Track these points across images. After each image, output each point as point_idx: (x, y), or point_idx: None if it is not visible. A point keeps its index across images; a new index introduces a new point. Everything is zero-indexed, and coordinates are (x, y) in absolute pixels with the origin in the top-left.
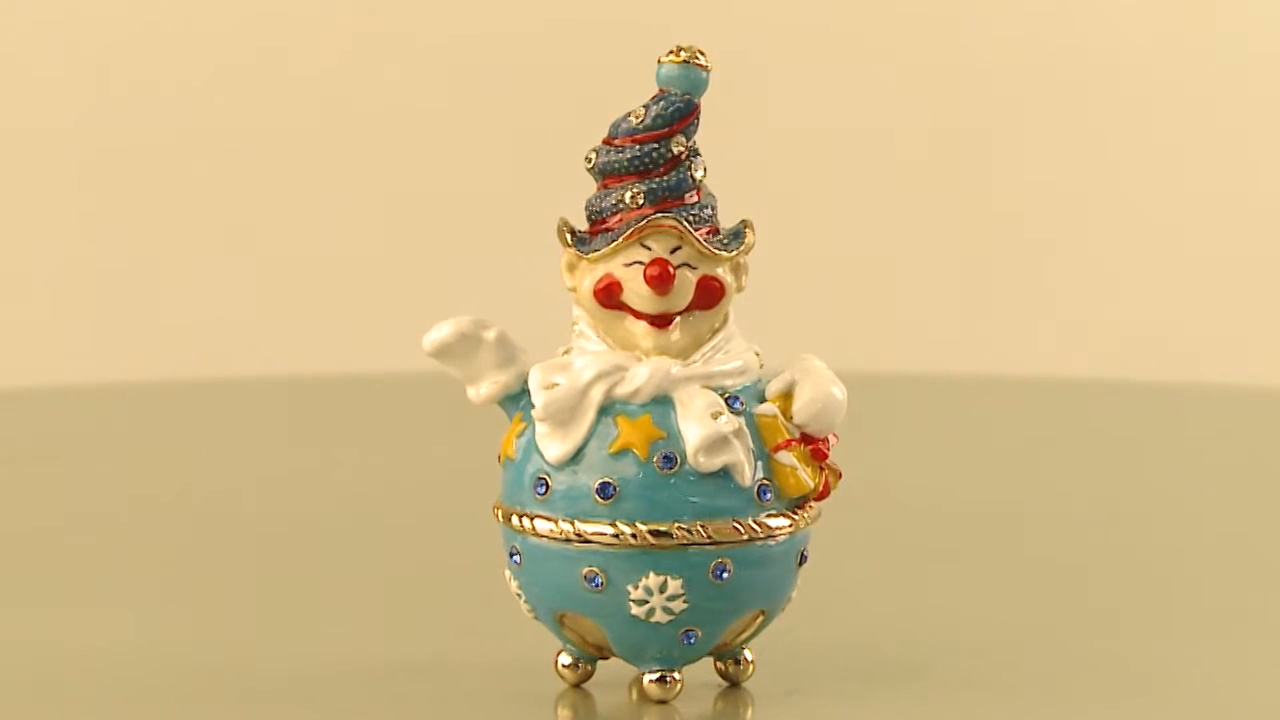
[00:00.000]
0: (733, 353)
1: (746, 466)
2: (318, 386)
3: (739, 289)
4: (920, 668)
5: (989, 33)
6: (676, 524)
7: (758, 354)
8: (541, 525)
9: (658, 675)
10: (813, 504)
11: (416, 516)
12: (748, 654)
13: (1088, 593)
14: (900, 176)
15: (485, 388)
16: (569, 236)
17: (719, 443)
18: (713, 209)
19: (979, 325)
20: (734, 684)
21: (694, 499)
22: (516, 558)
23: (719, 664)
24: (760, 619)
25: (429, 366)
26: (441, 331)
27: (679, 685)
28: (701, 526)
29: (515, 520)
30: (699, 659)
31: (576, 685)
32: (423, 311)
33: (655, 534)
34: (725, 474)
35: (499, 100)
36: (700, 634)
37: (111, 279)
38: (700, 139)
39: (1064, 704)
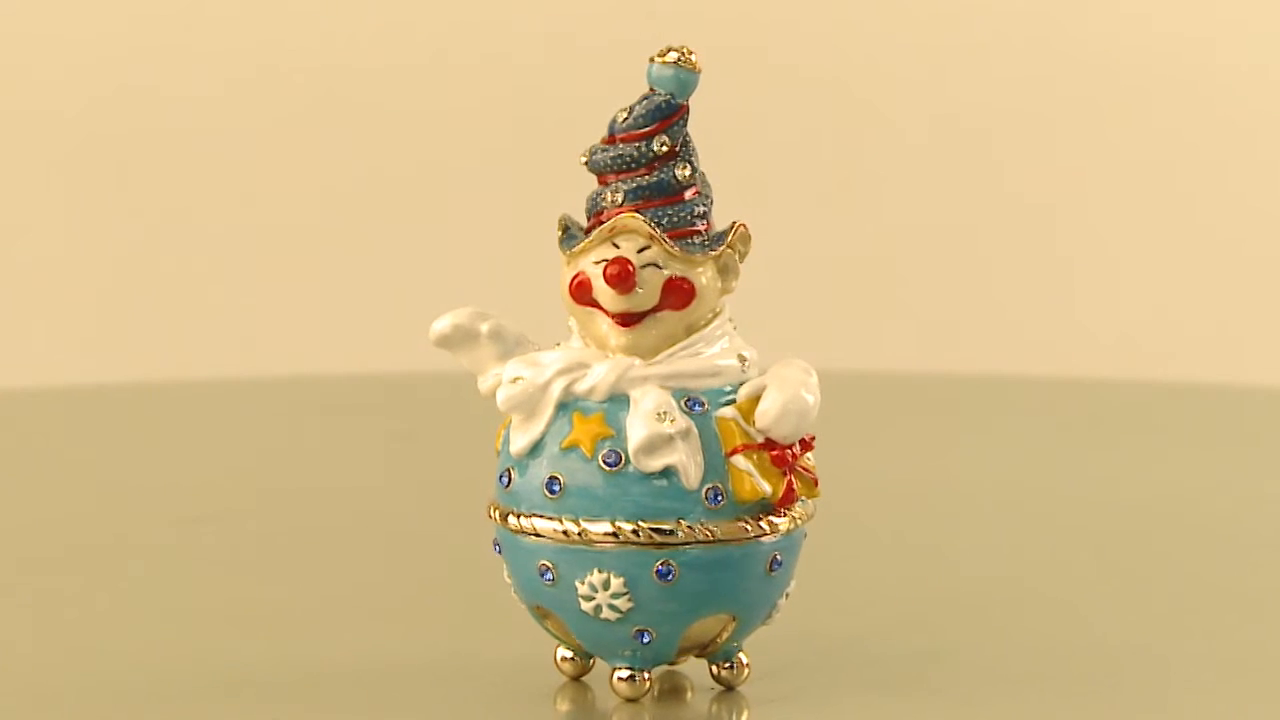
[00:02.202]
0: (707, 354)
1: (692, 468)
2: (318, 387)
3: (725, 290)
4: (920, 670)
5: (991, 34)
6: (616, 522)
7: (742, 357)
8: (510, 518)
9: (627, 674)
10: (782, 511)
11: (417, 515)
12: (743, 657)
13: (1088, 593)
14: (901, 177)
15: (488, 379)
16: (561, 233)
17: (660, 443)
18: (701, 210)
19: (979, 325)
20: (729, 688)
21: (636, 498)
22: (498, 548)
23: (712, 667)
24: (733, 624)
25: (429, 366)
26: (441, 324)
27: (648, 684)
28: (643, 526)
29: (491, 511)
30: (668, 660)
31: (576, 678)
32: (425, 312)
33: (596, 531)
34: (670, 474)
35: (514, 96)
36: (655, 635)
37: (112, 279)
38: (704, 139)
39: (1064, 705)
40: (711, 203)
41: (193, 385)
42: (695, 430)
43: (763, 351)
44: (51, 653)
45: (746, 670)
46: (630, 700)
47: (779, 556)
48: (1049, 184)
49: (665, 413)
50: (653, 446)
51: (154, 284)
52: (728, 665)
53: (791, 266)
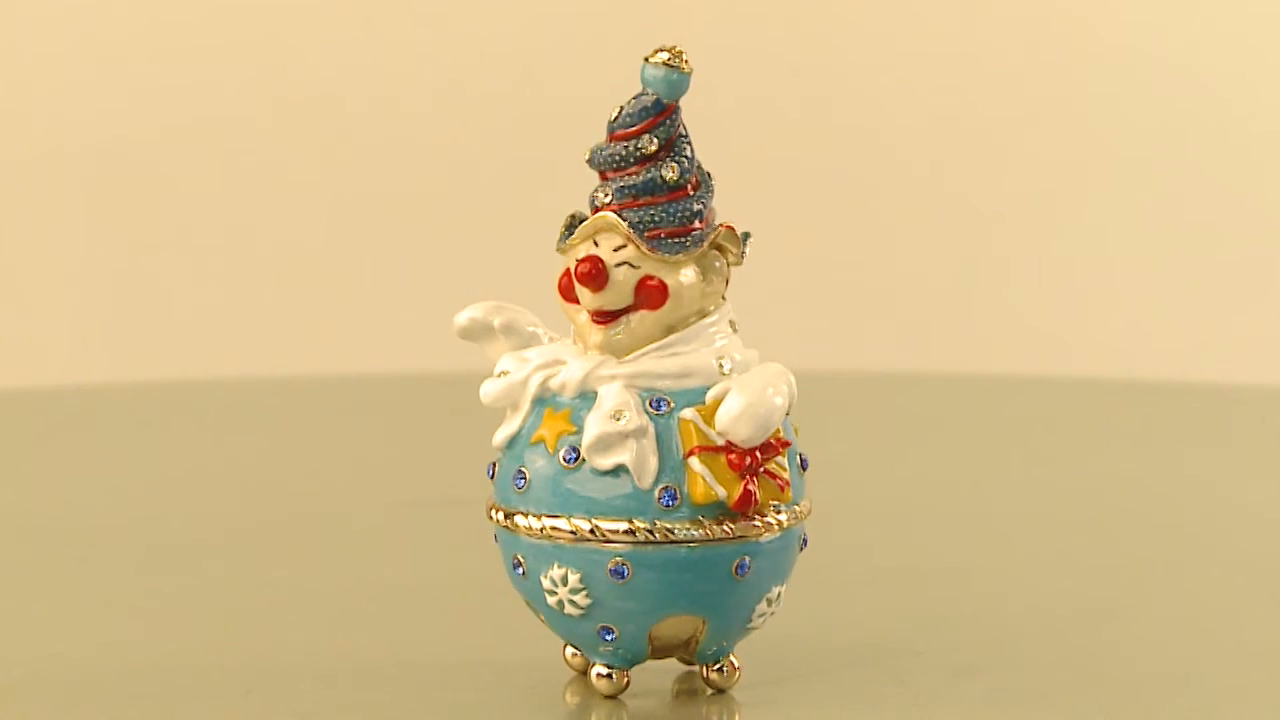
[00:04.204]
0: (684, 354)
1: (644, 468)
2: (317, 387)
3: (709, 292)
4: (915, 675)
5: (989, 36)
6: (572, 518)
7: (722, 359)
8: (492, 511)
9: (605, 671)
10: (751, 515)
11: (426, 513)
12: (734, 660)
13: (1087, 593)
14: (901, 177)
15: None
16: (564, 230)
17: (612, 441)
18: (693, 210)
19: (978, 325)
20: (719, 691)
21: (591, 495)
22: (497, 540)
23: (702, 669)
24: (704, 627)
25: (429, 367)
26: (460, 317)
27: (626, 680)
28: (597, 523)
29: (486, 504)
30: (641, 659)
31: (584, 673)
32: (427, 312)
33: (554, 526)
34: (623, 473)
35: (531, 93)
36: (618, 632)
37: (112, 279)
38: (708, 140)
39: (1061, 706)
40: (705, 204)
41: (193, 385)
42: (652, 430)
43: (765, 354)
44: (51, 648)
45: (737, 674)
46: (608, 697)
47: (747, 560)
48: (1047, 185)
49: (620, 411)
50: (603, 444)
51: (154, 284)
52: (718, 668)
53: (791, 267)
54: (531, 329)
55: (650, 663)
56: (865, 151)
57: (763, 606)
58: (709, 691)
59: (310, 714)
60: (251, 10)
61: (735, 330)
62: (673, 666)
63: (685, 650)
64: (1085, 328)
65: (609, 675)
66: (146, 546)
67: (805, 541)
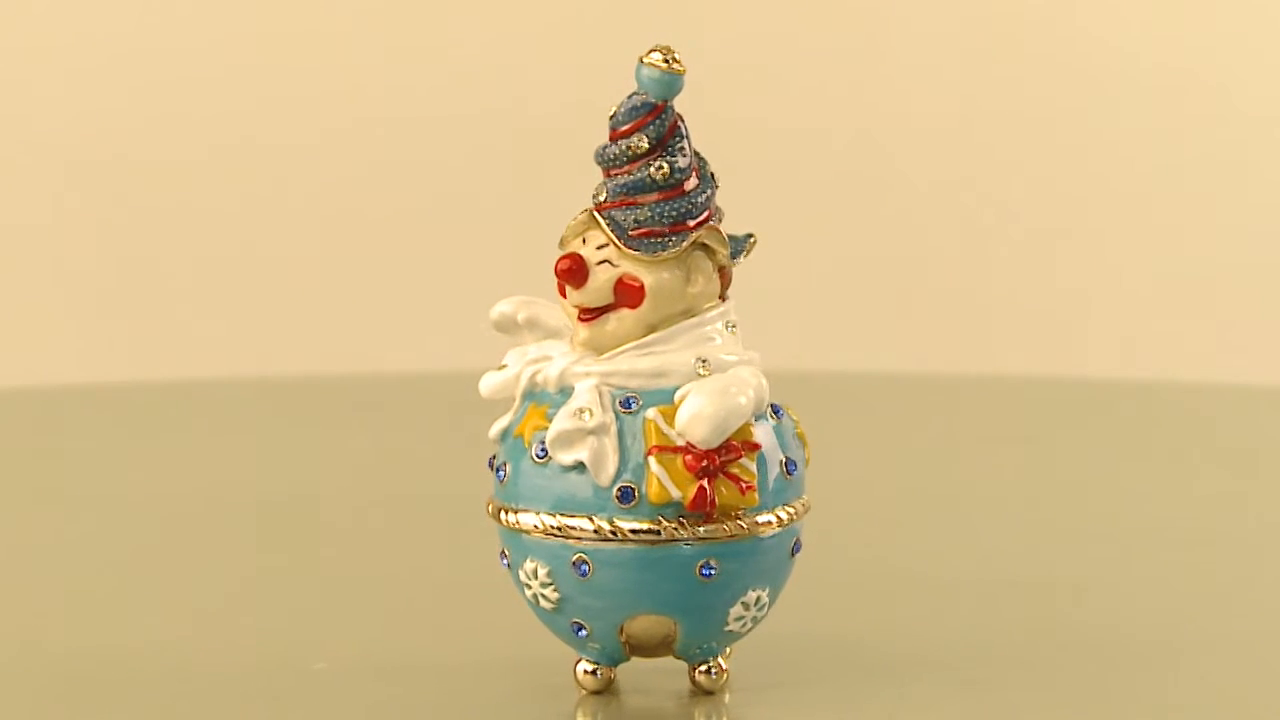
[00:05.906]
0: (660, 354)
1: (604, 466)
2: (317, 387)
3: (695, 293)
4: (909, 677)
5: (988, 36)
6: (539, 513)
7: (703, 360)
8: (489, 505)
9: (590, 668)
10: (717, 517)
11: (429, 515)
12: (722, 662)
13: (1086, 594)
14: (902, 177)
15: None
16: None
17: (573, 437)
18: (683, 209)
19: (978, 325)
20: (707, 693)
21: (557, 491)
22: None
23: (690, 670)
24: (676, 627)
25: (429, 367)
26: (492, 311)
27: (611, 677)
28: (560, 519)
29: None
30: (620, 657)
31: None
32: (428, 312)
33: (525, 521)
34: (585, 470)
35: (529, 90)
36: (589, 629)
37: (112, 279)
38: (709, 140)
39: (1060, 711)
40: (699, 204)
41: (193, 385)
42: (614, 428)
43: (764, 354)
44: (53, 649)
45: (725, 675)
46: (594, 693)
47: (712, 563)
48: (1048, 184)
49: (583, 408)
50: (563, 440)
51: (154, 284)
52: (705, 670)
53: (791, 267)
54: (556, 323)
55: (657, 662)
56: (866, 151)
57: (739, 610)
58: (726, 694)
59: (310, 714)
60: (252, 10)
61: (734, 331)
62: (671, 667)
63: (666, 650)
64: (1085, 328)
65: (593, 672)
66: (144, 546)
67: (798, 545)
